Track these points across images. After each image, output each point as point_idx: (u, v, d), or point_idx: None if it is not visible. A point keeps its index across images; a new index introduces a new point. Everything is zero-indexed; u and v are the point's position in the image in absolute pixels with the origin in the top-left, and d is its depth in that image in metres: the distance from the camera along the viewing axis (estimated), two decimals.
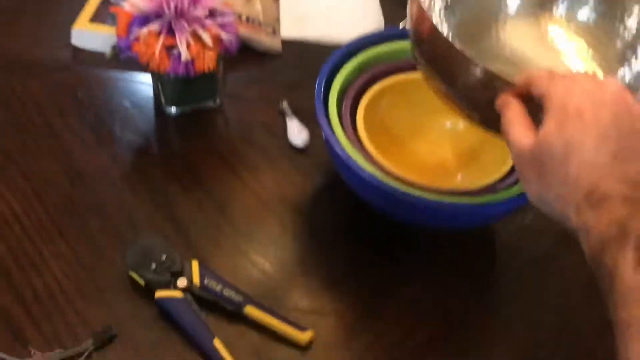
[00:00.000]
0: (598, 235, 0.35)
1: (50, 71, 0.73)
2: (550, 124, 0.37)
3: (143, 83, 0.73)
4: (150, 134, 0.69)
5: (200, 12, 0.62)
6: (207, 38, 0.62)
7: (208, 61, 0.63)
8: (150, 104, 0.72)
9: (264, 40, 0.78)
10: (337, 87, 0.61)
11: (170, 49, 0.62)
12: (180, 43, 0.61)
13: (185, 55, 0.61)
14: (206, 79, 0.67)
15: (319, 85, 0.59)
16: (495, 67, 0.43)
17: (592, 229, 0.35)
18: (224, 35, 0.63)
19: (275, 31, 0.81)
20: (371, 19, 0.85)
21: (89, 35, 0.75)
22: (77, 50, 0.75)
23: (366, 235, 0.62)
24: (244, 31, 0.77)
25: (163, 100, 0.70)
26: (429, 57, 0.49)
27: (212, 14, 0.63)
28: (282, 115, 0.72)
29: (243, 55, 0.78)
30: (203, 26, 0.62)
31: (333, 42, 0.82)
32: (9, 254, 0.57)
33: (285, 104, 0.73)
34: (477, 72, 0.43)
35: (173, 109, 0.70)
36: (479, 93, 0.45)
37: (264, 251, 0.60)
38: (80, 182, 0.63)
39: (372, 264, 0.60)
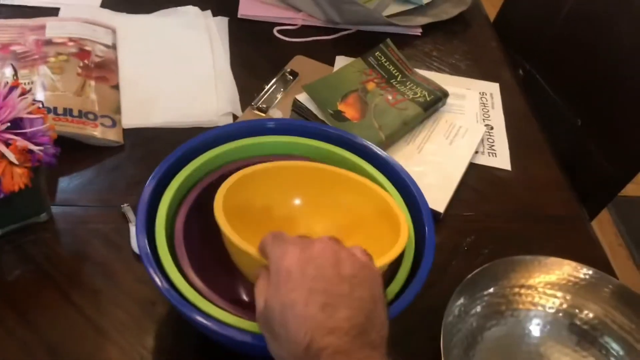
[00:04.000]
0: None
1: None
2: (270, 288, 0.40)
3: None
4: None
5: None
6: (11, 155, 0.53)
7: (19, 180, 0.54)
8: None
9: (98, 134, 0.70)
10: (170, 195, 0.53)
11: None
12: None
13: None
14: (25, 195, 0.58)
15: (142, 201, 0.51)
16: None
17: None
18: (34, 147, 0.54)
19: (114, 122, 0.72)
20: (224, 99, 0.79)
21: None
22: None
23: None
24: (74, 128, 0.68)
25: None
26: None
27: (16, 124, 0.55)
28: (125, 220, 0.64)
29: (79, 153, 0.70)
30: (6, 141, 0.53)
31: (183, 126, 0.75)
32: None
33: (126, 207, 0.64)
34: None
35: None
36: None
37: None
38: None
39: None
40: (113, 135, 0.71)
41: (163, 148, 0.71)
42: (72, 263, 0.60)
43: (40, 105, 0.62)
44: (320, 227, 0.57)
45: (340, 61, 0.88)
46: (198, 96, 0.79)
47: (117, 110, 0.74)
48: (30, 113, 0.56)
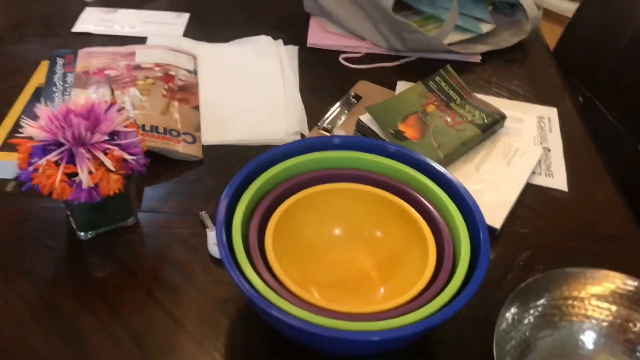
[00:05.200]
0: None
1: None
2: None
3: (56, 209, 0.71)
4: (62, 262, 0.66)
5: (99, 137, 0.60)
6: (109, 163, 0.60)
7: (113, 185, 0.61)
8: (64, 230, 0.69)
9: (181, 149, 0.77)
10: (245, 204, 0.59)
11: (72, 176, 0.60)
12: (82, 171, 0.59)
13: (86, 182, 0.59)
14: (117, 200, 0.65)
15: (220, 211, 0.57)
16: None
17: None
18: (128, 157, 0.62)
19: (195, 139, 0.80)
20: (293, 119, 0.85)
21: (1, 164, 0.73)
22: None
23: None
24: (160, 143, 0.76)
25: (75, 226, 0.67)
26: None
27: (114, 136, 0.62)
28: (203, 227, 0.70)
29: (162, 166, 0.77)
30: (104, 151, 0.61)
31: (256, 142, 0.81)
32: None
33: (204, 214, 0.71)
34: None
35: (84, 234, 0.68)
36: None
37: None
38: None
39: None
40: (193, 151, 0.78)
41: (237, 162, 0.78)
42: (155, 263, 0.67)
43: (132, 121, 0.70)
44: (361, 251, 0.63)
45: (402, 86, 0.93)
46: (269, 117, 0.85)
47: (198, 128, 0.81)
48: (125, 127, 0.63)
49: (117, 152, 0.61)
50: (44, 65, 0.88)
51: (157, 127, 0.78)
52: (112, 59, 0.88)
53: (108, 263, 0.66)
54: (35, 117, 0.68)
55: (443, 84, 0.87)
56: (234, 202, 0.60)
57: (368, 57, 1.00)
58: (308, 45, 1.00)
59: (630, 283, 0.61)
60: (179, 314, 0.62)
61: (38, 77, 0.86)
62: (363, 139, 0.66)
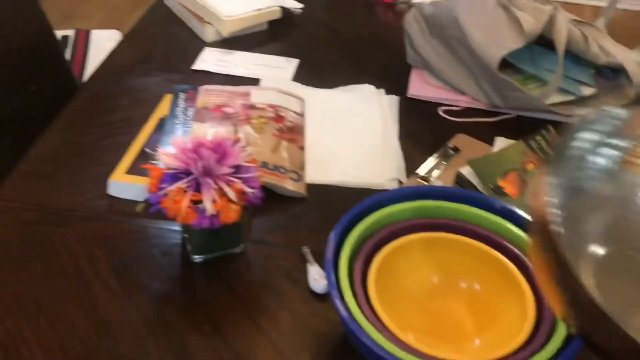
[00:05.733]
0: None
1: (85, 220, 0.77)
2: None
3: (172, 231, 0.77)
4: (175, 282, 0.72)
5: (225, 170, 0.66)
6: (231, 194, 0.65)
7: (232, 214, 0.66)
8: (178, 251, 0.75)
9: (289, 186, 0.82)
10: (351, 243, 0.62)
11: (196, 203, 0.66)
12: (206, 199, 0.65)
13: (210, 210, 0.65)
14: (231, 228, 0.70)
15: (330, 246, 0.61)
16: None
17: None
18: (248, 190, 0.67)
19: (300, 177, 0.85)
20: (391, 166, 0.89)
21: (125, 186, 0.80)
22: (112, 200, 0.80)
23: None
24: (270, 179, 0.81)
25: (190, 249, 0.73)
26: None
27: (236, 169, 0.68)
28: (304, 261, 0.74)
29: (269, 200, 0.82)
30: (228, 182, 0.66)
31: (356, 185, 0.85)
32: None
33: (306, 249, 0.75)
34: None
35: (197, 257, 0.73)
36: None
37: None
38: (105, 331, 0.65)
39: None
40: (299, 188, 0.83)
41: (337, 202, 0.82)
42: (259, 291, 0.71)
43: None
44: (458, 301, 0.65)
45: (500, 142, 0.95)
46: (369, 162, 0.89)
47: (302, 167, 0.86)
48: (246, 162, 0.69)
49: (239, 184, 0.66)
50: (167, 98, 0.96)
51: (267, 164, 0.83)
52: (229, 97, 0.95)
53: (216, 286, 0.71)
54: (159, 146, 0.75)
55: (543, 143, 0.88)
56: (340, 240, 0.63)
57: (467, 111, 1.02)
58: (409, 95, 1.04)
59: None
60: (278, 341, 0.65)
61: (162, 109, 0.94)
62: (467, 191, 0.69)
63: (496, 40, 0.97)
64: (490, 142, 0.95)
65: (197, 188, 0.66)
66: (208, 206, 0.65)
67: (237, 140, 0.69)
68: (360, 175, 0.87)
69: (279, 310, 0.69)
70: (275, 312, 0.68)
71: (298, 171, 0.85)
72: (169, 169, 0.67)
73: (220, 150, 0.67)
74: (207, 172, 0.66)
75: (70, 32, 1.51)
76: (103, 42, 1.51)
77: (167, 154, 0.67)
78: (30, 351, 0.62)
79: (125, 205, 0.79)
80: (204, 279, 0.72)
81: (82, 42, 1.50)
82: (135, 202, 0.77)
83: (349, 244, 0.63)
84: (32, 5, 1.13)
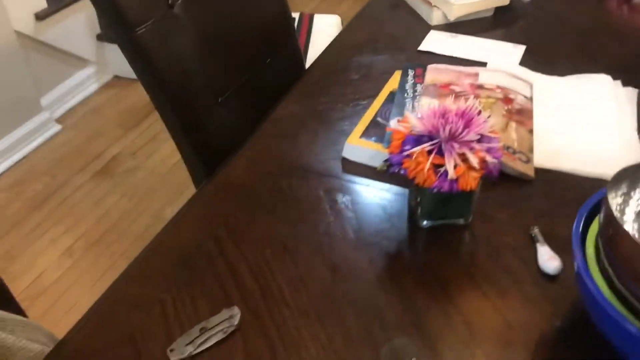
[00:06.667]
0: None
1: (320, 176, 0.83)
2: None
3: (398, 195, 0.80)
4: (403, 243, 0.74)
5: (471, 136, 0.67)
6: (474, 161, 0.66)
7: (471, 181, 0.67)
8: (404, 215, 0.77)
9: (518, 166, 0.81)
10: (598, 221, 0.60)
11: (437, 167, 0.68)
12: (449, 163, 0.66)
13: (451, 174, 0.66)
14: (463, 197, 0.72)
15: (580, 216, 0.59)
16: None
17: None
18: (489, 159, 0.67)
19: (528, 159, 0.83)
20: (629, 158, 0.83)
21: (358, 149, 0.85)
22: (345, 162, 0.85)
23: None
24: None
25: (419, 212, 0.75)
26: None
27: (479, 139, 0.68)
28: (532, 241, 0.73)
29: (495, 178, 0.81)
30: (471, 149, 0.67)
31: (589, 175, 0.82)
32: (276, 331, 0.64)
33: (536, 230, 0.73)
34: None
35: (426, 222, 0.75)
36: None
37: None
38: (339, 277, 0.70)
39: None
40: (527, 170, 0.81)
41: (569, 189, 0.79)
42: (486, 263, 0.71)
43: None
44: None
45: None
46: (602, 154, 0.85)
47: (531, 150, 0.85)
48: (490, 133, 0.69)
49: (482, 152, 0.67)
50: (397, 75, 1.00)
51: None
52: (456, 76, 0.96)
53: (442, 253, 0.73)
54: (389, 117, 0.77)
55: None
56: (588, 217, 0.61)
57: None
58: None
59: None
60: (507, 314, 0.65)
61: (392, 83, 0.98)
62: None
63: None
64: None
65: (439, 153, 0.68)
66: (450, 170, 0.66)
67: (480, 112, 0.70)
68: (595, 167, 0.83)
69: (509, 286, 0.68)
70: (505, 286, 0.68)
71: (527, 153, 0.84)
72: (412, 132, 0.70)
73: (466, 117, 0.68)
74: (452, 137, 0.67)
75: (295, 15, 1.63)
76: (324, 26, 1.61)
77: (414, 118, 0.70)
78: (277, 285, 0.69)
79: (356, 167, 0.84)
80: (430, 244, 0.74)
81: (306, 24, 1.61)
82: (365, 166, 0.82)
83: (596, 222, 0.60)
84: None
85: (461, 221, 0.76)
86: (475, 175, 0.68)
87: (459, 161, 0.67)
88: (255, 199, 0.81)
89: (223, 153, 0.92)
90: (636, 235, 0.55)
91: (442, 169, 0.68)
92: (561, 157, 0.85)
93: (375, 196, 0.81)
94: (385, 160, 0.73)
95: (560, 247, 0.70)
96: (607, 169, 0.82)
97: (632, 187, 0.59)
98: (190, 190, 1.80)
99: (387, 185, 0.82)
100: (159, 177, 2.00)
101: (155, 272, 0.72)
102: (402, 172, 0.70)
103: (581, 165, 0.83)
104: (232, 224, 0.77)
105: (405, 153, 0.69)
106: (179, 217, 0.80)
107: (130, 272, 0.73)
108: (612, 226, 0.53)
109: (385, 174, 0.74)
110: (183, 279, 0.70)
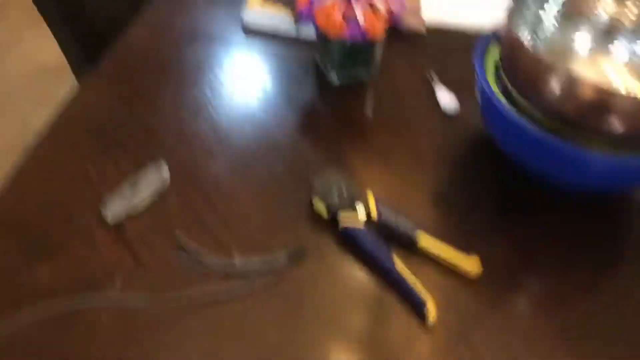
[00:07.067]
0: None
1: (223, 45, 0.84)
2: None
3: (306, 57, 0.83)
4: (316, 97, 0.78)
5: None
6: (382, 9, 0.70)
7: (379, 29, 0.72)
8: (315, 73, 0.81)
9: (411, 20, 0.87)
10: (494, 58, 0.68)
11: (346, 18, 0.71)
12: (358, 11, 0.70)
13: (361, 21, 0.70)
14: (369, 50, 0.76)
15: (482, 43, 0.67)
16: None
17: None
18: (395, 9, 0.72)
19: (418, 15, 0.89)
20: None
21: (259, 15, 0.85)
22: (247, 28, 0.87)
23: (514, 198, 0.67)
24: None
25: (328, 66, 0.79)
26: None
27: None
28: (429, 84, 0.80)
29: (391, 33, 0.86)
30: None
31: (473, 29, 0.90)
32: (207, 182, 0.66)
33: (432, 73, 0.80)
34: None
35: (335, 75, 0.79)
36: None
37: (421, 198, 0.67)
38: (260, 129, 0.72)
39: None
40: (419, 24, 0.87)
41: (455, 39, 0.85)
42: (393, 106, 0.77)
43: None
44: None
45: None
46: (484, 10, 0.93)
47: (419, 7, 0.90)
48: None
49: (387, 3, 0.71)
50: None
51: None
52: None
53: (352, 102, 0.78)
54: None
55: None
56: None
57: None
58: None
59: None
60: (415, 145, 0.72)
61: None
62: None
63: None
64: None
65: (347, 3, 0.71)
66: (360, 17, 0.70)
67: None
68: (478, 19, 0.91)
69: (414, 122, 0.75)
70: (410, 123, 0.75)
71: (416, 10, 0.90)
72: None
73: None
74: None
75: None
76: None
77: None
78: (199, 137, 0.70)
79: (259, 33, 0.86)
80: (341, 97, 0.78)
81: None
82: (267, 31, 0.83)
83: (491, 56, 0.68)
84: None
85: (366, 76, 0.81)
86: (382, 25, 0.72)
87: (368, 9, 0.70)
88: (159, 66, 0.80)
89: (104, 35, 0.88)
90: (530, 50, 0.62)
91: (352, 20, 0.71)
92: (447, 13, 0.92)
93: (283, 59, 0.83)
94: (294, 13, 0.75)
95: (455, 89, 0.78)
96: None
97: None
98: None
99: (290, 48, 0.84)
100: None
101: (69, 144, 0.69)
102: (313, 23, 0.73)
103: (465, 21, 0.91)
104: (142, 91, 0.76)
105: (315, 6, 0.71)
106: (84, 89, 0.77)
107: (45, 145, 0.69)
108: (514, 45, 0.59)
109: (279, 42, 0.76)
110: (100, 146, 0.69)
